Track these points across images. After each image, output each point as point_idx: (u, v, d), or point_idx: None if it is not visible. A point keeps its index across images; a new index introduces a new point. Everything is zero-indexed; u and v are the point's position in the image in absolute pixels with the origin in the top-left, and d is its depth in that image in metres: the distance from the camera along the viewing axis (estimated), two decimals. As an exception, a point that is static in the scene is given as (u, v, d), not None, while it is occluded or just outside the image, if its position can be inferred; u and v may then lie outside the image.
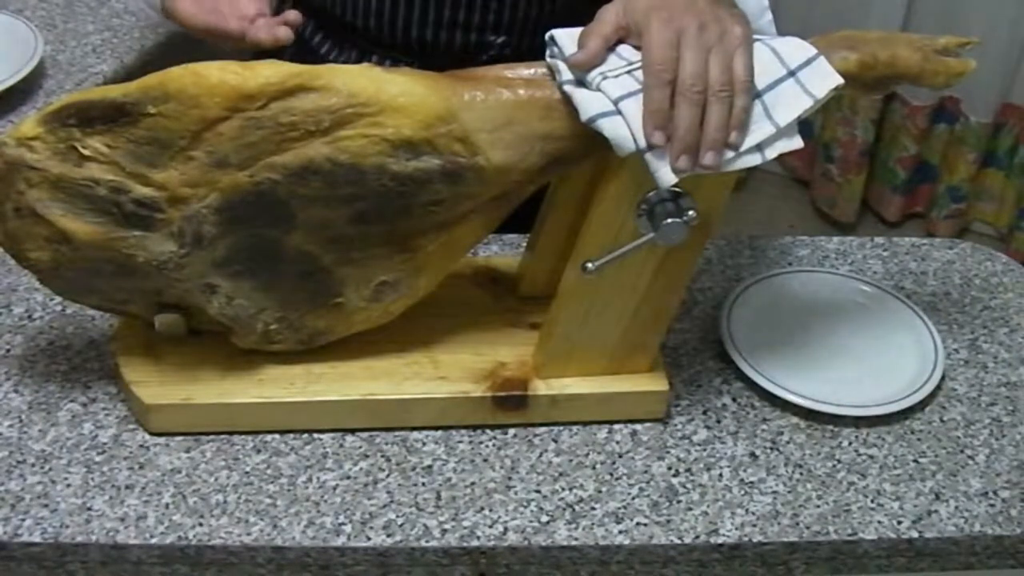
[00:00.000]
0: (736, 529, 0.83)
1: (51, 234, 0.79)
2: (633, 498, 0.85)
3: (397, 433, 0.88)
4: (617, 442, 0.89)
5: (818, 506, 0.85)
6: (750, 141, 0.76)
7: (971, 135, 2.29)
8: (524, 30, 1.05)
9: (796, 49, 0.78)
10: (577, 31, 0.79)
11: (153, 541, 0.80)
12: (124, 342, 0.89)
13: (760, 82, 0.77)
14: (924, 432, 0.92)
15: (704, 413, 0.92)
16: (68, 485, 0.83)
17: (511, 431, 0.89)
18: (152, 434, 0.87)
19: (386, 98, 0.77)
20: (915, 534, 0.84)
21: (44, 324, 0.95)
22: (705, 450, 0.89)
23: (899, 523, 0.84)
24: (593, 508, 0.84)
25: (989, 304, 1.05)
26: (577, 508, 0.84)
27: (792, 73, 0.77)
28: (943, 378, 0.96)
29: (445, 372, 0.89)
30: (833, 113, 2.37)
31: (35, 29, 1.28)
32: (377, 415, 0.88)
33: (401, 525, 0.82)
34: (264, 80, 0.76)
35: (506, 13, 1.04)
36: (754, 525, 0.83)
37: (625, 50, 0.78)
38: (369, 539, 0.81)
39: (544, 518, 0.83)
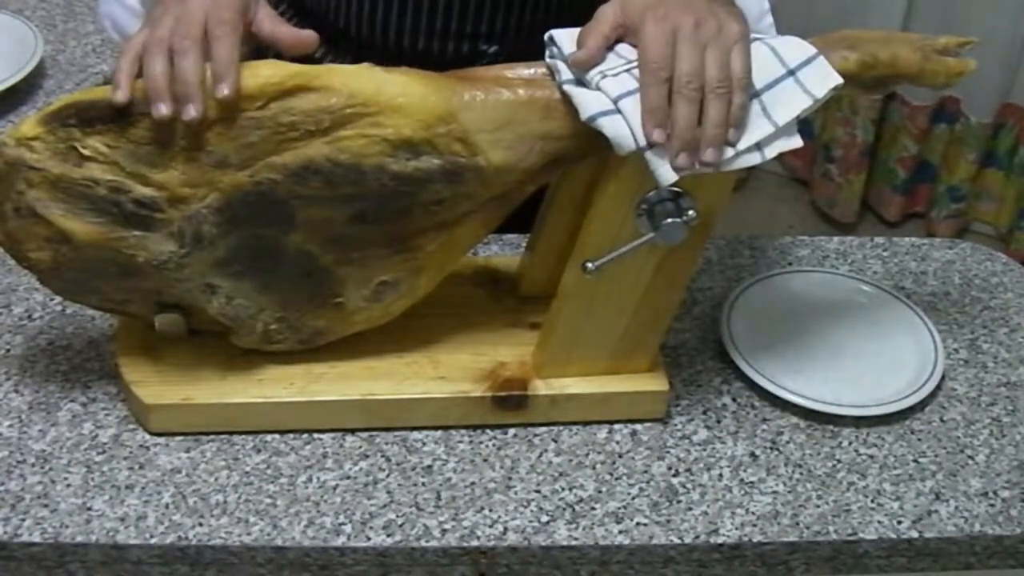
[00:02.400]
0: (736, 529, 0.83)
1: (51, 234, 0.79)
2: (633, 498, 0.85)
3: (397, 433, 0.88)
4: (617, 442, 0.89)
5: (818, 506, 0.85)
6: (749, 140, 0.76)
7: (971, 135, 2.29)
8: (518, 39, 1.05)
9: (795, 48, 0.78)
10: (576, 31, 0.79)
11: (153, 541, 0.80)
12: (124, 342, 0.89)
13: (759, 81, 0.77)
14: (924, 432, 0.92)
15: (704, 413, 0.92)
16: (68, 485, 0.83)
17: (511, 431, 0.89)
18: (152, 434, 0.87)
19: (386, 98, 0.77)
20: (915, 534, 0.84)
21: (44, 324, 0.95)
22: (705, 450, 0.89)
23: (899, 523, 0.84)
24: (593, 508, 0.84)
25: (989, 304, 1.05)
26: (577, 508, 0.84)
27: (791, 72, 0.77)
28: (943, 378, 0.96)
29: (445, 372, 0.89)
30: (833, 113, 2.37)
31: (35, 29, 1.28)
32: (377, 415, 0.88)
33: (401, 525, 0.82)
34: (264, 80, 0.76)
35: (499, 22, 1.03)
36: (754, 525, 0.83)
37: (624, 49, 0.78)
38: (369, 539, 0.81)
39: (544, 518, 0.83)
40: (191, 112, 0.74)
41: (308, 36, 0.83)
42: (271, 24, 0.82)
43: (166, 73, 0.75)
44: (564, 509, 0.84)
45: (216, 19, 0.77)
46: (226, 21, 0.77)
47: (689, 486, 0.86)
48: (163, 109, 0.74)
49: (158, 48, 0.76)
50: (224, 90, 0.74)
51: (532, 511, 0.83)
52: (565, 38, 0.79)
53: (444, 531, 0.81)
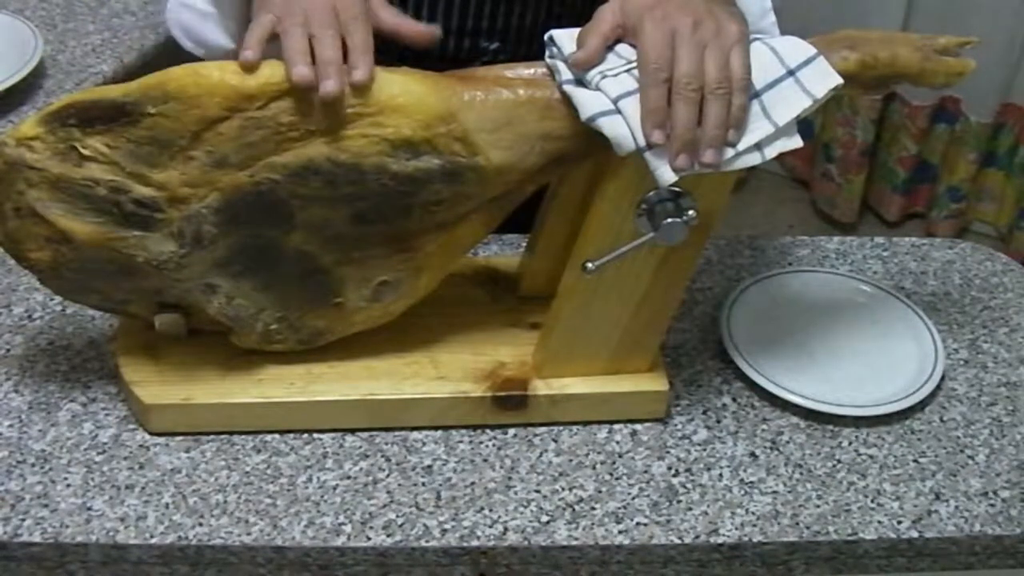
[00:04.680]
0: (736, 529, 0.83)
1: (51, 234, 0.79)
2: (633, 498, 0.85)
3: (397, 433, 0.88)
4: (617, 442, 0.89)
5: (818, 506, 0.85)
6: (749, 140, 0.76)
7: (971, 135, 2.29)
8: (519, 37, 1.05)
9: (795, 48, 0.78)
10: (576, 31, 0.79)
11: (153, 541, 0.80)
12: (124, 342, 0.89)
13: (759, 81, 0.77)
14: (924, 432, 0.92)
15: (704, 413, 0.92)
16: (68, 485, 0.83)
17: (511, 431, 0.89)
18: (152, 434, 0.87)
19: (386, 98, 0.77)
20: (915, 534, 0.84)
21: (44, 324, 0.95)
22: (705, 450, 0.89)
23: (899, 523, 0.84)
24: (593, 508, 0.84)
25: (989, 304, 1.05)
26: (577, 508, 0.84)
27: (791, 72, 0.78)
28: (943, 378, 0.96)
29: (445, 372, 0.89)
30: (833, 113, 2.37)
31: (35, 29, 1.28)
32: (377, 415, 0.88)
33: (401, 525, 0.82)
34: (264, 80, 0.76)
35: (500, 19, 1.03)
36: (754, 525, 0.83)
37: (624, 49, 0.78)
38: (369, 539, 0.81)
39: (544, 518, 0.83)
40: (330, 86, 0.75)
41: (432, 30, 0.86)
42: (392, 16, 0.85)
43: (307, 48, 0.76)
44: (564, 509, 0.84)
45: (348, 12, 0.79)
46: (357, 14, 0.79)
47: (689, 486, 0.86)
48: (304, 71, 0.75)
49: (298, 30, 0.77)
50: (359, 75, 0.76)
51: (532, 511, 0.83)
52: (565, 38, 0.79)
53: (444, 531, 0.81)
